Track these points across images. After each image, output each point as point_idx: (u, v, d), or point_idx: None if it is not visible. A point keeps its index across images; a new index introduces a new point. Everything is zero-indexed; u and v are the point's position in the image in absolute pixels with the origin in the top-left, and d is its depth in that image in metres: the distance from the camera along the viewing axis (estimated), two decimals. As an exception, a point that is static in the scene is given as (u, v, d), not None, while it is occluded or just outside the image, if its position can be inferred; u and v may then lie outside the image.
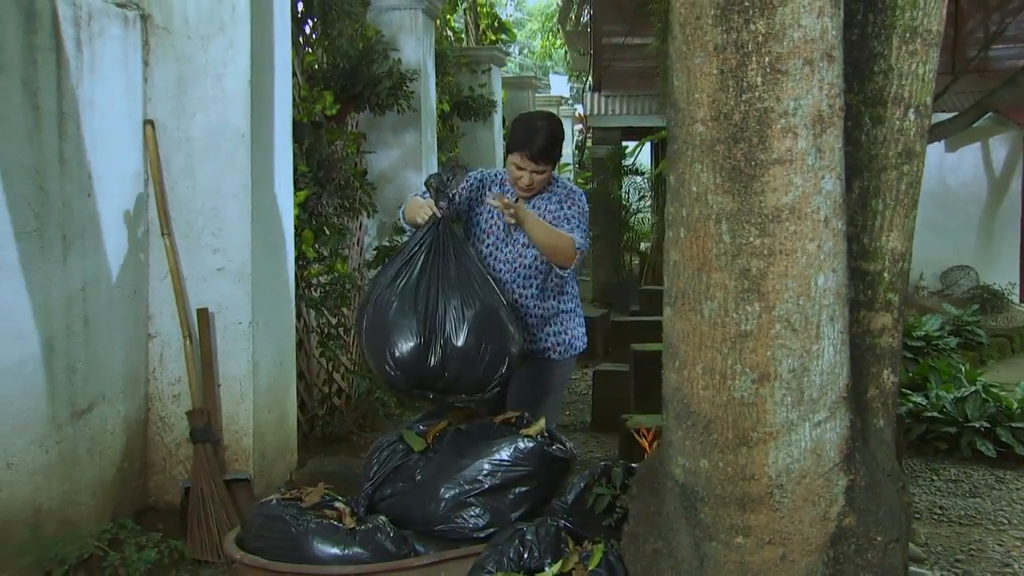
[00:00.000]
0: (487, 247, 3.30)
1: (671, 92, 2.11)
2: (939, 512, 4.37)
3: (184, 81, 3.72)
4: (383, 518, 2.72)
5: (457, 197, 3.15)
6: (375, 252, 5.88)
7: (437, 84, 7.22)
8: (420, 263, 2.90)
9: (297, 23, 4.96)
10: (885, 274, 2.35)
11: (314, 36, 5.28)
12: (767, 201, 1.98)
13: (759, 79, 1.94)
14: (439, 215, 2.95)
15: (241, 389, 3.79)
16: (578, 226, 3.22)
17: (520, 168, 3.21)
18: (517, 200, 3.21)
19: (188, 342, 3.71)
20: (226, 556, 2.78)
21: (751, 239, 2.00)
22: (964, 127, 8.93)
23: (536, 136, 3.17)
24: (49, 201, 3.20)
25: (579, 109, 17.79)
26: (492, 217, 3.30)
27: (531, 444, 2.82)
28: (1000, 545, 3.96)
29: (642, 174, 13.23)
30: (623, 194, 12.42)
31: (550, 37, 23.01)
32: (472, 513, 2.72)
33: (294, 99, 4.34)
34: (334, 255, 5.05)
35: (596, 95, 12.13)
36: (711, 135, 2.01)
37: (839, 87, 2.01)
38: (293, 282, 4.24)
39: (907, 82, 2.28)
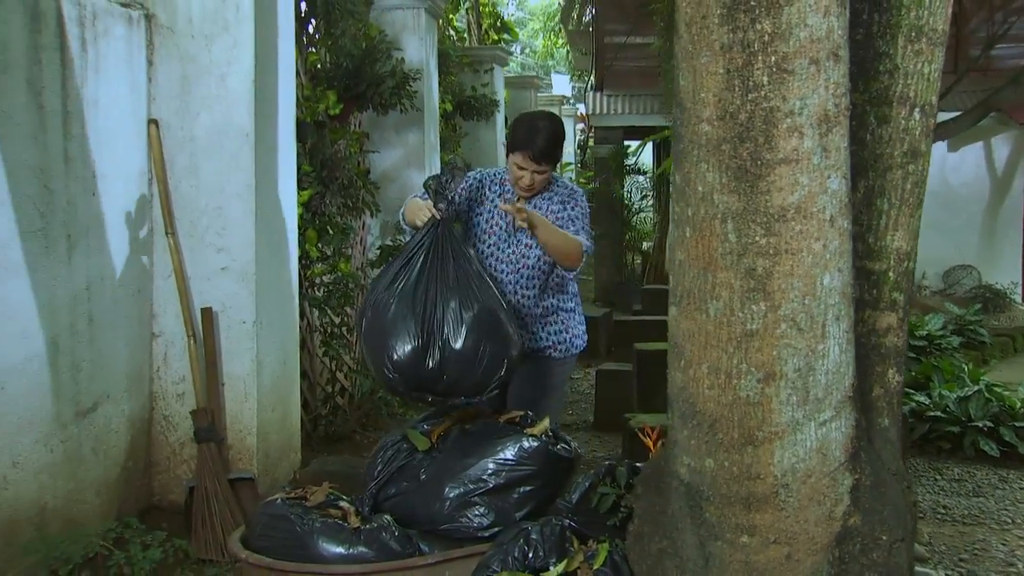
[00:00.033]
0: (488, 247, 3.30)
1: (677, 91, 2.10)
2: (943, 511, 4.37)
3: (188, 80, 3.72)
4: (388, 517, 2.72)
5: (456, 198, 3.14)
6: (378, 251, 5.89)
7: (440, 83, 7.23)
8: (419, 265, 2.88)
9: (300, 22, 4.97)
10: (890, 273, 2.34)
11: (317, 36, 5.29)
12: (773, 200, 1.98)
13: (765, 78, 1.94)
14: (438, 217, 2.95)
15: (245, 388, 3.79)
16: (583, 228, 3.22)
17: (521, 168, 3.20)
18: (518, 200, 3.21)
19: (192, 341, 3.71)
20: (231, 555, 2.78)
21: (757, 238, 2.00)
22: (968, 127, 8.91)
23: (537, 136, 3.16)
24: (54, 200, 3.20)
25: (581, 108, 17.76)
26: (494, 217, 3.30)
27: (535, 443, 2.82)
28: (1004, 544, 3.96)
29: (644, 173, 13.26)
30: (625, 193, 12.44)
31: (552, 36, 23.02)
32: (477, 512, 2.71)
33: (297, 98, 4.34)
34: (337, 254, 5.06)
35: (598, 94, 12.13)
36: (717, 134, 2.00)
37: (845, 86, 2.01)
38: (297, 281, 4.24)
39: (912, 81, 2.27)
